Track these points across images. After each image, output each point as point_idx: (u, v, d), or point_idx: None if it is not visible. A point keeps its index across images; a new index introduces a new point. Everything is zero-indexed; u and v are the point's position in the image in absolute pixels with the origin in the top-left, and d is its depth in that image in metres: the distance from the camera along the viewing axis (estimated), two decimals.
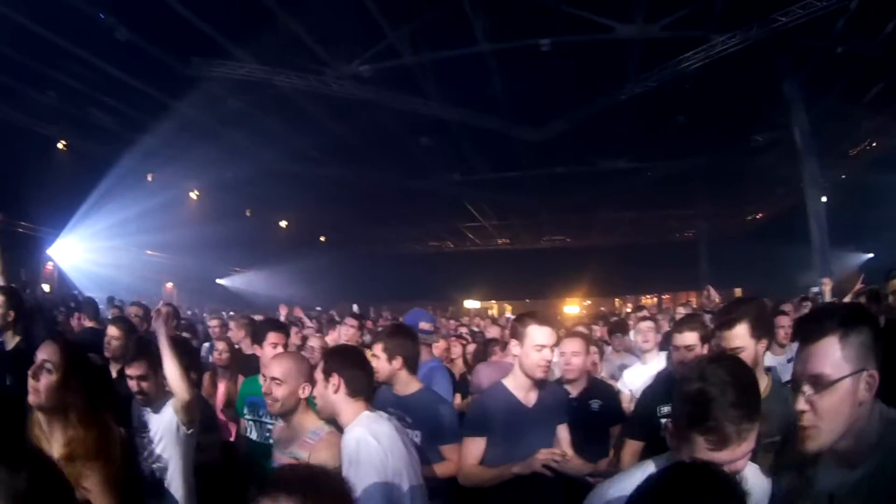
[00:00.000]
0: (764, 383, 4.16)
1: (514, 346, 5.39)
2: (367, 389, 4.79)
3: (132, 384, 5.84)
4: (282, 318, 14.01)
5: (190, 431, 5.82)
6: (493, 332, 13.04)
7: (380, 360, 5.80)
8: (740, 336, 4.47)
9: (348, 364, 4.72)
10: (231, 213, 34.27)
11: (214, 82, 22.19)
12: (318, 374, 4.72)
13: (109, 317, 12.80)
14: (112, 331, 7.72)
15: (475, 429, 5.36)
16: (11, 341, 7.09)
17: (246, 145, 27.30)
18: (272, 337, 6.94)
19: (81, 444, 4.29)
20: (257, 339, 7.11)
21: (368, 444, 4.32)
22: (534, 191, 35.16)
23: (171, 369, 5.62)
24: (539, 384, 5.33)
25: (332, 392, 4.61)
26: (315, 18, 19.19)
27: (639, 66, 21.71)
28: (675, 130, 26.06)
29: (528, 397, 5.30)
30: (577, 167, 31.40)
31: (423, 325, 7.36)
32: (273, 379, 4.92)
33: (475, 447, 5.22)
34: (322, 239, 46.77)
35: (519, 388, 5.31)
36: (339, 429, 4.69)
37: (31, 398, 4.36)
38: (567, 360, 6.54)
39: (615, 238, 48.12)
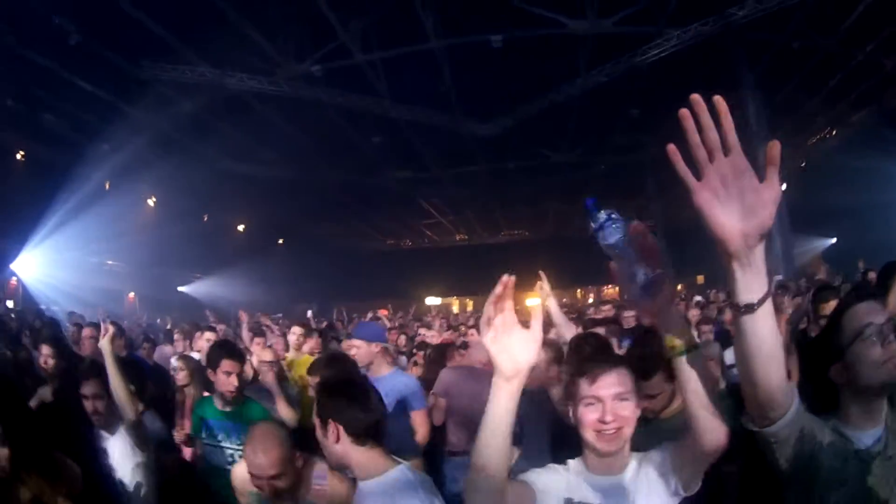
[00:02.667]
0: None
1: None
2: (379, 430, 3.94)
3: (87, 404, 5.80)
4: (243, 326, 13.78)
5: (145, 455, 5.73)
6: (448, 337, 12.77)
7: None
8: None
9: (345, 405, 3.91)
10: (188, 218, 33.92)
11: (166, 85, 22.05)
12: (315, 418, 4.01)
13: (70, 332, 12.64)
14: (45, 349, 7.68)
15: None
16: None
17: (199, 149, 27.03)
18: (226, 364, 6.57)
19: (43, 491, 4.18)
20: (211, 363, 6.78)
21: None
22: (488, 185, 35.24)
23: (118, 389, 5.58)
24: None
25: (334, 442, 3.82)
26: (265, 19, 19.12)
27: (591, 60, 21.74)
28: (628, 123, 26.10)
29: None
30: (530, 161, 31.56)
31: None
32: (272, 478, 4.23)
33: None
34: (280, 241, 46.40)
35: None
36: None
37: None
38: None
39: (572, 229, 48.22)
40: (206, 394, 7.55)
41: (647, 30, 20.26)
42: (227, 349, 6.78)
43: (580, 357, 4.75)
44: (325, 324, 16.94)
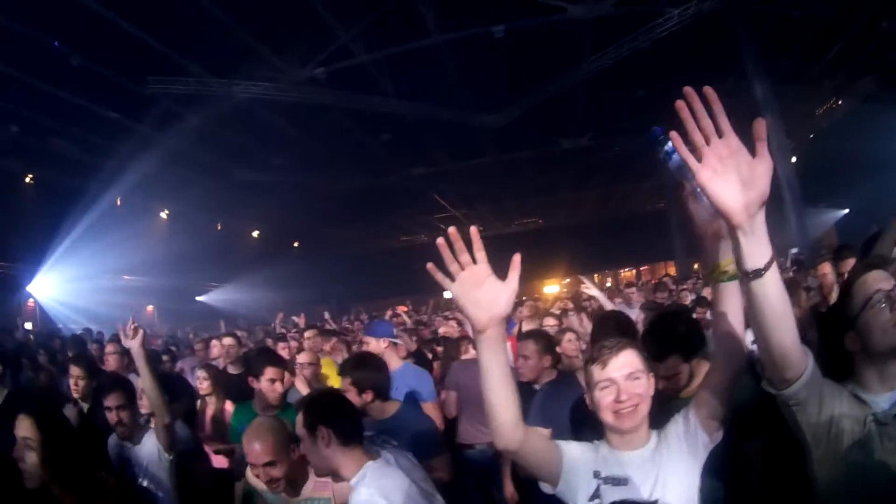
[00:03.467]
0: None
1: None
2: (360, 432, 4.40)
3: (111, 416, 5.91)
4: (277, 327, 13.82)
5: (171, 457, 5.82)
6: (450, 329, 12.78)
7: (349, 394, 5.64)
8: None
9: (332, 411, 4.38)
10: (202, 228, 34.23)
11: (172, 99, 21.99)
12: (301, 430, 4.34)
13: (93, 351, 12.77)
14: (75, 370, 7.63)
15: (536, 420, 5.50)
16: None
17: (210, 159, 27.07)
18: (270, 372, 6.61)
19: None
20: (253, 371, 6.84)
21: None
22: (499, 176, 35.19)
23: (149, 386, 5.73)
24: None
25: (324, 447, 4.19)
26: (265, 26, 19.08)
27: (594, 44, 21.64)
28: (635, 105, 25.99)
29: None
30: (540, 149, 31.51)
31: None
32: (266, 465, 4.56)
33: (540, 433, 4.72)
34: (295, 245, 46.45)
35: None
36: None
37: (26, 477, 4.36)
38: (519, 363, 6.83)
39: (586, 215, 48.19)
40: (228, 402, 7.68)
41: (647, 9, 20.16)
42: (271, 357, 6.95)
43: (596, 341, 4.96)
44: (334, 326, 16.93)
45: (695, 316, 7.57)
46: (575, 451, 3.42)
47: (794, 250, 19.92)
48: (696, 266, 38.97)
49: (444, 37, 20.21)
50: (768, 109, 21.04)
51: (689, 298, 13.19)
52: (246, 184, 30.68)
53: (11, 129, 21.74)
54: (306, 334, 10.45)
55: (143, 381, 5.84)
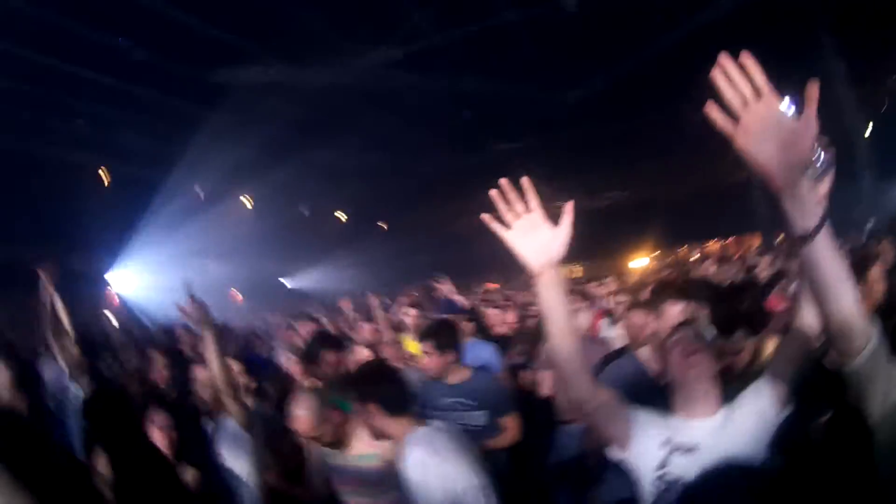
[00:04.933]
0: None
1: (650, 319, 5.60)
2: (409, 404, 4.94)
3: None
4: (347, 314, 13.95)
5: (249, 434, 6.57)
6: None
7: (432, 357, 6.33)
8: None
9: (381, 384, 4.86)
10: (285, 212, 34.65)
11: (243, 87, 22.19)
12: (355, 402, 4.91)
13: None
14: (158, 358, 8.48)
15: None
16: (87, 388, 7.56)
17: (288, 144, 27.15)
18: (328, 356, 6.96)
19: None
20: (310, 357, 7.04)
21: (433, 464, 4.39)
22: (583, 150, 34.70)
23: (213, 360, 6.14)
24: None
25: (373, 417, 4.73)
26: (335, 10, 19.12)
27: (666, 17, 21.58)
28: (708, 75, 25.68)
29: None
30: (620, 122, 31.28)
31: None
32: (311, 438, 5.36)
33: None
34: (383, 225, 46.45)
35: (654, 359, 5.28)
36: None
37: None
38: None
39: (669, 188, 47.26)
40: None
41: None
42: (330, 340, 7.12)
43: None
44: None
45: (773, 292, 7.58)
46: (645, 416, 3.61)
47: (869, 224, 19.66)
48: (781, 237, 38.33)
49: (517, 13, 20.18)
50: (840, 79, 20.76)
51: (764, 273, 12.91)
52: (329, 167, 30.96)
53: (78, 122, 22.04)
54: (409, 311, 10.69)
55: (207, 356, 6.16)
